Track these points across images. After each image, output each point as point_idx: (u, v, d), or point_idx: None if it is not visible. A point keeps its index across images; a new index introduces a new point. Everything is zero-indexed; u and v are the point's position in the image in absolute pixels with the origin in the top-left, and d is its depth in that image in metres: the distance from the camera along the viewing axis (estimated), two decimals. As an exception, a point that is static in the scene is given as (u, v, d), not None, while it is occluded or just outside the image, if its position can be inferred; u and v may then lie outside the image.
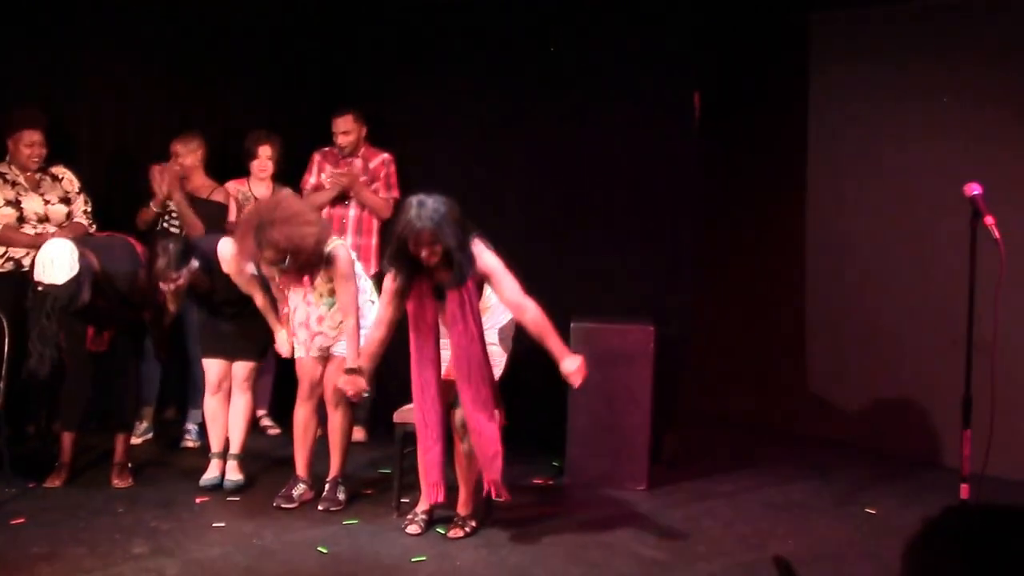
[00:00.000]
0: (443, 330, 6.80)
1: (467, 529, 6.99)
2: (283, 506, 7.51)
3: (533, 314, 6.61)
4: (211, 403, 8.04)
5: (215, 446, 8.04)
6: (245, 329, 7.90)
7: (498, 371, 6.95)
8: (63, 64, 9.24)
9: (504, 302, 6.76)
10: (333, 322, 7.49)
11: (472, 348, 6.68)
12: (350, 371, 7.03)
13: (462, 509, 7.07)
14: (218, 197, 9.03)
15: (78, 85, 9.30)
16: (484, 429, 6.73)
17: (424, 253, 6.46)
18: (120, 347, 7.86)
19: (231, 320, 7.87)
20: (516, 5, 9.27)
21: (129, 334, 7.88)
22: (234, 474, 7.93)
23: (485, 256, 6.63)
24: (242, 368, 7.94)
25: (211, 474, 7.94)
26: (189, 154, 9.01)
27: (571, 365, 6.54)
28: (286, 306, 7.66)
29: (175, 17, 9.73)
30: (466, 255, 6.53)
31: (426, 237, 6.42)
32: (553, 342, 6.61)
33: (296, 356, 7.72)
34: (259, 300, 7.75)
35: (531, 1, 9.24)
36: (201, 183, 9.07)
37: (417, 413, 6.89)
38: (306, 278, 7.36)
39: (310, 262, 7.22)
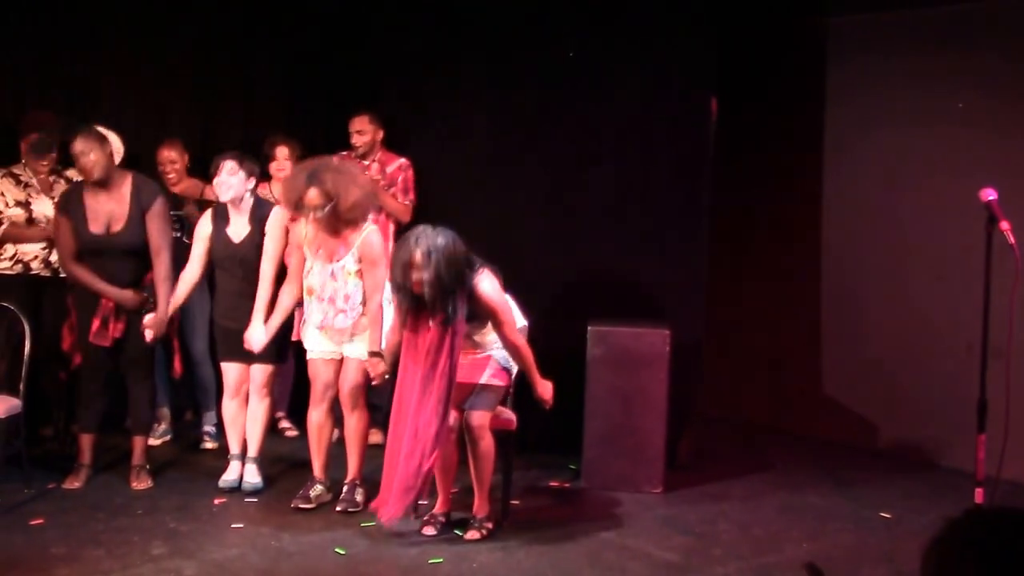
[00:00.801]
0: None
1: (483, 531, 7.02)
2: (301, 507, 7.53)
3: (524, 354, 6.93)
4: (230, 406, 8.06)
5: (234, 448, 8.06)
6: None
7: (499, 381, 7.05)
8: (83, 70, 9.31)
9: (500, 339, 6.91)
10: (356, 302, 7.46)
11: (438, 384, 6.73)
12: (373, 354, 7.20)
13: (478, 511, 7.10)
14: (211, 195, 9.07)
15: (98, 91, 9.37)
16: (411, 461, 6.74)
17: (414, 277, 6.56)
18: (134, 349, 7.88)
19: (248, 323, 7.86)
20: (533, 10, 9.27)
21: (142, 336, 7.90)
22: (253, 476, 7.97)
23: (489, 290, 6.74)
24: (260, 372, 7.95)
25: (230, 475, 7.96)
26: (179, 159, 9.07)
27: (544, 391, 7.01)
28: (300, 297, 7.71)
29: (195, 23, 9.79)
30: (452, 293, 6.61)
31: (415, 261, 6.53)
32: (532, 374, 6.99)
33: (308, 357, 7.74)
34: (267, 271, 7.81)
35: (548, 6, 9.24)
36: (189, 184, 9.14)
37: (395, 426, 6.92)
38: (334, 251, 7.43)
39: (346, 219, 7.34)
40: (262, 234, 7.85)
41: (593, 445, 8.17)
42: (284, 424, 9.61)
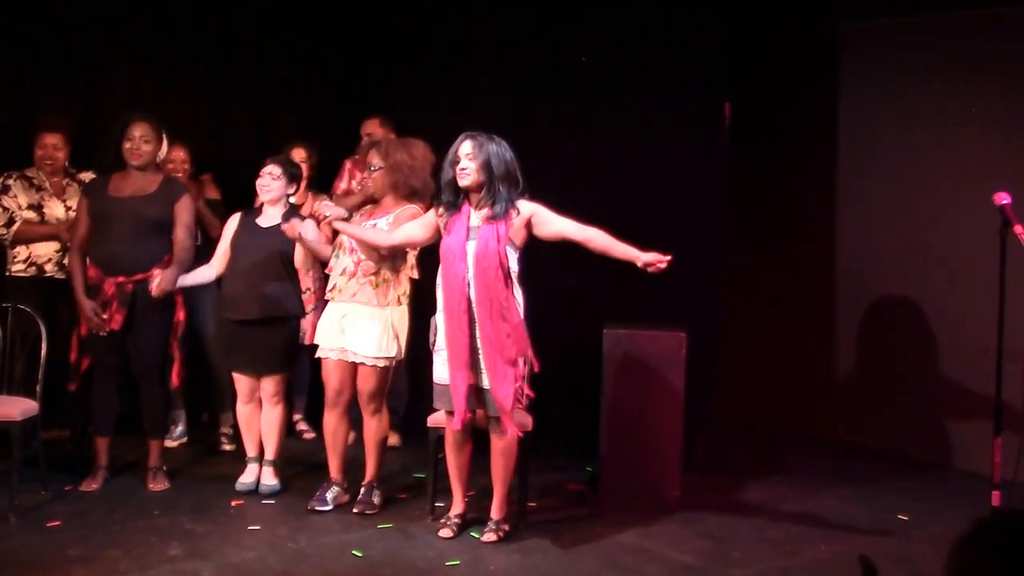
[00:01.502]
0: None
1: (500, 533, 7.01)
2: (317, 509, 7.55)
3: (599, 237, 6.94)
4: (244, 411, 8.09)
5: (250, 451, 8.08)
6: (269, 343, 7.90)
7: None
8: (95, 71, 9.37)
9: (561, 234, 6.94)
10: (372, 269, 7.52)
11: (496, 288, 6.67)
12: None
13: (496, 513, 7.08)
14: (212, 195, 9.11)
15: (115, 94, 9.39)
16: (500, 371, 6.69)
17: (461, 164, 6.70)
18: (145, 353, 7.89)
19: (255, 336, 7.88)
20: (548, 16, 9.29)
21: (157, 339, 7.92)
22: (270, 479, 7.98)
23: (528, 205, 6.77)
24: (271, 383, 7.97)
25: (247, 478, 7.99)
26: (188, 159, 9.12)
27: (647, 256, 6.80)
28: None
29: (208, 24, 9.84)
30: (503, 188, 6.73)
31: (469, 147, 6.72)
32: (621, 250, 6.89)
33: (318, 355, 7.73)
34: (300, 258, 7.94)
35: (562, 12, 9.26)
36: (192, 185, 9.14)
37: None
38: (373, 213, 7.62)
39: (395, 185, 7.54)
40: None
41: (610, 447, 8.16)
42: (301, 426, 9.64)
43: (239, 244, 7.95)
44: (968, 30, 8.96)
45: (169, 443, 8.84)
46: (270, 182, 7.92)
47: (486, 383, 6.76)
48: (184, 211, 7.90)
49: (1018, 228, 6.57)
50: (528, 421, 7.32)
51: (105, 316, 7.71)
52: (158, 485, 7.95)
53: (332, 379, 7.66)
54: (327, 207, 7.51)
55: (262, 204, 8.05)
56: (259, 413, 8.05)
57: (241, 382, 8.04)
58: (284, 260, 7.89)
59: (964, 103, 8.98)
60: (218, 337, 8.22)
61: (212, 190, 9.18)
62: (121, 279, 7.70)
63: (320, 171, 9.41)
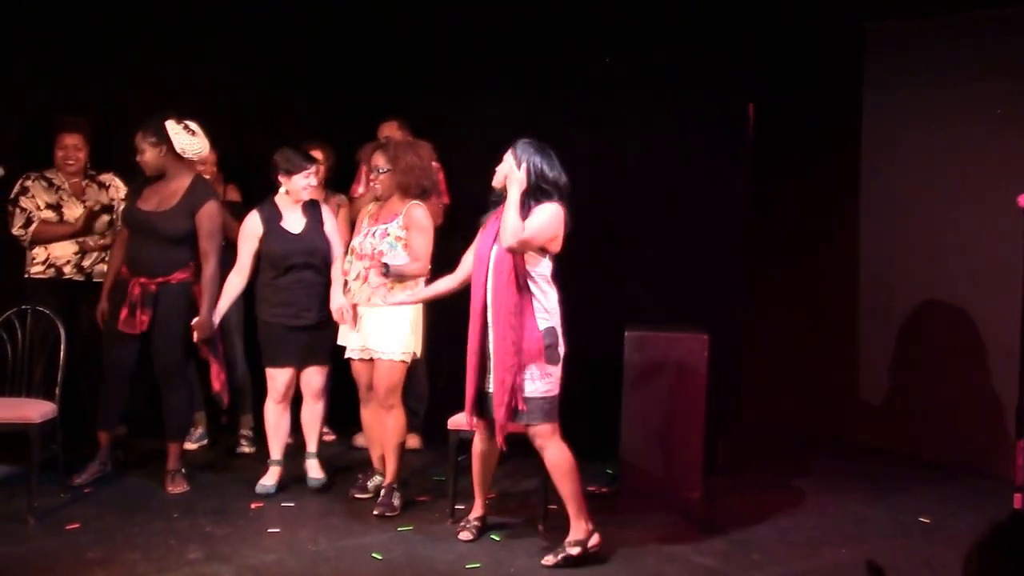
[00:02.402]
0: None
1: (557, 557, 6.69)
2: (357, 496, 7.78)
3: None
4: (275, 411, 8.11)
5: (275, 453, 8.10)
6: (318, 338, 8.00)
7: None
8: (116, 74, 9.45)
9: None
10: (391, 258, 7.58)
11: (507, 294, 6.60)
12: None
13: (571, 531, 6.82)
14: (233, 196, 9.14)
15: (135, 95, 9.42)
16: (498, 378, 6.61)
17: (498, 168, 6.81)
18: (166, 355, 7.93)
19: (303, 328, 7.97)
20: (569, 17, 9.30)
21: (178, 341, 7.94)
22: (317, 472, 8.15)
23: (553, 213, 6.66)
24: (316, 374, 8.09)
25: (268, 481, 8.01)
26: (214, 163, 9.15)
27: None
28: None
29: (232, 29, 9.92)
30: (528, 183, 6.68)
31: (509, 151, 6.78)
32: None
33: (346, 356, 7.85)
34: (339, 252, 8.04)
35: (584, 13, 9.27)
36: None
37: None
38: (383, 215, 7.74)
39: (405, 186, 7.70)
40: (318, 221, 8.03)
41: (631, 450, 8.18)
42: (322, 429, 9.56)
43: (274, 250, 7.98)
44: (992, 29, 8.93)
45: (189, 445, 8.88)
46: (312, 180, 8.08)
47: (490, 388, 6.74)
48: (207, 219, 7.90)
49: (1042, 231, 6.59)
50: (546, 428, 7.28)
51: (135, 318, 7.78)
52: (177, 488, 7.96)
53: (361, 377, 7.82)
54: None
55: (274, 205, 8.10)
56: (287, 414, 8.14)
57: (279, 379, 8.07)
58: (323, 260, 8.00)
59: (988, 103, 8.95)
60: (264, 339, 8.21)
61: (233, 192, 9.18)
62: (144, 280, 7.78)
63: (337, 172, 9.45)
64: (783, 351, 10.47)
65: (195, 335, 7.80)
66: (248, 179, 9.35)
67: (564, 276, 7.07)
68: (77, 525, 7.11)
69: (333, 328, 7.96)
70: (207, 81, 9.82)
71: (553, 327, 6.64)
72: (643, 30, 9.08)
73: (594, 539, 6.74)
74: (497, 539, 7.08)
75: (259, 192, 9.01)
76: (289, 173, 7.96)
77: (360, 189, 9.36)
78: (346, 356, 7.83)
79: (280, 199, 8.07)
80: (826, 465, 9.23)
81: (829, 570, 6.76)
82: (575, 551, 6.68)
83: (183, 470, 8.10)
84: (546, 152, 6.76)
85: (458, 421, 7.40)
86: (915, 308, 9.61)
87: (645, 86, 9.04)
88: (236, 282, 8.00)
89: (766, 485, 8.59)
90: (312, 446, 8.19)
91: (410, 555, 6.77)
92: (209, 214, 7.90)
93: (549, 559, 6.68)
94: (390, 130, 9.28)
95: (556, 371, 6.66)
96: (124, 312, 7.79)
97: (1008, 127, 8.85)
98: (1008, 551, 2.66)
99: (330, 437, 9.50)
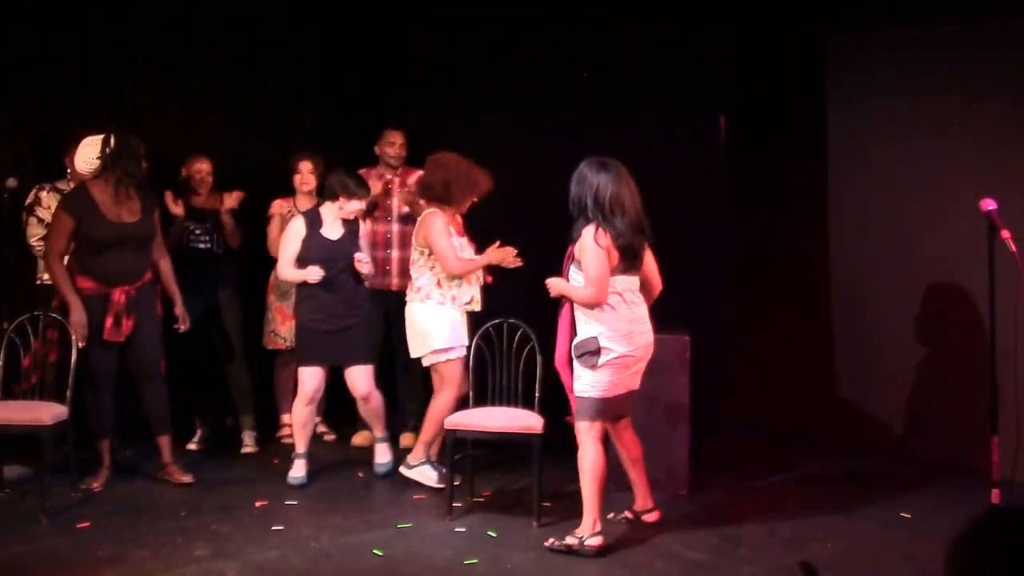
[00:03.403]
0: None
1: (556, 541, 7.08)
2: (404, 472, 8.27)
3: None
4: (304, 411, 8.43)
5: (300, 447, 8.41)
6: (357, 334, 8.37)
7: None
8: (121, 85, 9.52)
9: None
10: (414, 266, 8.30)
11: (563, 308, 7.12)
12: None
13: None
14: (230, 204, 9.25)
15: (136, 108, 9.56)
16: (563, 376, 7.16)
17: None
18: (143, 351, 8.18)
19: (346, 336, 8.33)
20: (549, 32, 9.48)
21: (156, 339, 8.29)
22: (387, 456, 8.66)
23: (586, 240, 6.94)
24: (362, 373, 8.43)
25: (297, 473, 8.33)
26: (210, 172, 9.31)
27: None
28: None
29: (233, 42, 10.01)
30: (576, 213, 7.06)
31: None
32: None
33: (459, 357, 8.22)
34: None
35: (563, 30, 9.45)
36: (211, 197, 9.36)
37: None
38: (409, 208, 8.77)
39: (425, 192, 8.40)
40: (354, 232, 8.48)
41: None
42: (321, 428, 9.74)
43: (312, 256, 8.36)
44: (953, 44, 9.08)
45: (190, 446, 9.08)
46: (363, 206, 8.60)
47: None
48: (158, 224, 8.43)
49: (1004, 233, 6.74)
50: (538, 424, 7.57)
51: (120, 327, 8.00)
52: (183, 477, 8.24)
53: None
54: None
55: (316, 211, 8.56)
56: (315, 415, 8.58)
57: (310, 379, 8.39)
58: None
59: (949, 114, 9.10)
60: (299, 341, 8.57)
61: (235, 195, 9.30)
62: (126, 287, 8.01)
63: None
64: (766, 352, 10.55)
65: (181, 326, 8.33)
66: (246, 187, 9.45)
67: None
68: (87, 524, 7.26)
69: (369, 329, 8.34)
70: (210, 92, 9.96)
71: (595, 337, 6.95)
72: (619, 47, 9.28)
73: (594, 540, 6.95)
74: (494, 535, 7.21)
75: (258, 199, 9.23)
76: (348, 197, 8.39)
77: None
78: (457, 356, 8.21)
79: (324, 209, 8.46)
80: (810, 462, 9.32)
81: (815, 563, 6.84)
82: (572, 542, 6.95)
83: (178, 461, 8.42)
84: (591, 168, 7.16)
85: (455, 421, 7.61)
86: (890, 309, 9.72)
87: (622, 99, 9.25)
88: (293, 273, 8.42)
89: (752, 482, 8.66)
90: (380, 430, 8.58)
91: (409, 551, 6.90)
92: (157, 216, 8.36)
93: (552, 541, 6.99)
94: (400, 138, 9.53)
95: (593, 375, 6.98)
96: (109, 322, 7.93)
97: (969, 134, 8.99)
98: (986, 547, 2.70)
99: (330, 437, 9.70)
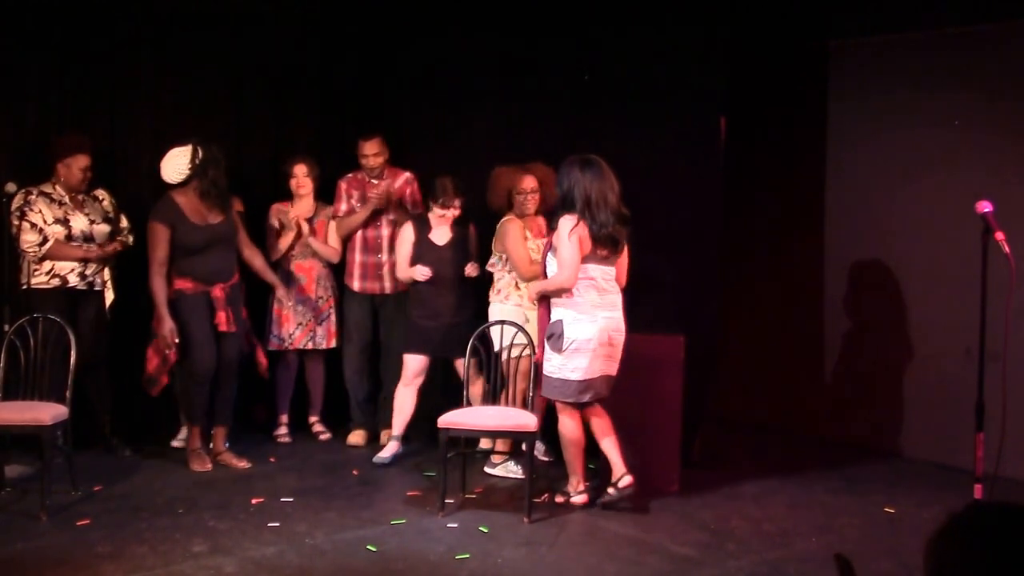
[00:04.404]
0: None
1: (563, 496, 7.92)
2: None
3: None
4: (405, 393, 8.98)
5: (395, 430, 8.96)
6: (461, 331, 8.63)
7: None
8: (117, 89, 9.53)
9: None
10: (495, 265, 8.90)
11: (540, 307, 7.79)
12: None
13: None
14: (238, 207, 9.27)
15: (134, 113, 9.59)
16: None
17: None
18: (238, 347, 8.80)
19: (452, 330, 8.78)
20: (546, 32, 9.52)
21: (242, 335, 8.87)
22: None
23: (562, 229, 7.48)
24: (459, 366, 8.69)
25: (385, 453, 8.97)
26: None
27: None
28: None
29: (231, 47, 10.04)
30: (559, 203, 7.62)
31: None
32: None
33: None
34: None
35: (561, 29, 9.49)
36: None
37: None
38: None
39: (494, 206, 8.92)
40: (463, 237, 9.04)
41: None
42: (317, 428, 9.84)
43: (425, 259, 8.87)
44: (950, 47, 9.18)
45: (175, 443, 9.22)
46: (454, 214, 8.93)
47: None
48: (238, 220, 8.99)
49: (999, 235, 6.80)
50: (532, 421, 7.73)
51: (228, 319, 8.60)
52: (240, 462, 8.79)
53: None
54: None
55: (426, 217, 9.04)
56: (414, 399, 9.04)
57: (415, 365, 8.99)
58: (461, 269, 8.97)
59: (946, 115, 9.19)
60: (409, 332, 9.05)
61: (237, 203, 9.35)
62: (223, 284, 8.60)
63: (324, 184, 9.75)
64: (756, 351, 10.67)
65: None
66: (248, 191, 9.56)
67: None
68: (88, 521, 7.32)
69: (475, 327, 8.48)
70: (209, 98, 9.97)
71: (560, 321, 7.53)
72: (620, 47, 9.27)
73: (579, 497, 7.88)
74: (485, 530, 7.30)
75: (258, 203, 9.32)
76: (433, 201, 8.87)
77: (343, 207, 9.59)
78: (525, 354, 8.40)
79: (432, 214, 8.87)
80: (796, 459, 9.41)
81: (800, 558, 6.94)
82: (560, 499, 7.95)
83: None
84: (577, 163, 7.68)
85: (448, 420, 7.72)
86: (882, 309, 9.82)
87: (623, 100, 9.24)
88: (406, 272, 8.96)
89: (740, 478, 8.73)
90: None
91: (403, 547, 6.98)
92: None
93: (544, 496, 7.91)
94: (378, 147, 9.48)
95: (560, 358, 7.55)
96: (221, 315, 8.53)
97: (966, 137, 9.08)
98: (965, 541, 2.71)
99: (326, 436, 9.75)
